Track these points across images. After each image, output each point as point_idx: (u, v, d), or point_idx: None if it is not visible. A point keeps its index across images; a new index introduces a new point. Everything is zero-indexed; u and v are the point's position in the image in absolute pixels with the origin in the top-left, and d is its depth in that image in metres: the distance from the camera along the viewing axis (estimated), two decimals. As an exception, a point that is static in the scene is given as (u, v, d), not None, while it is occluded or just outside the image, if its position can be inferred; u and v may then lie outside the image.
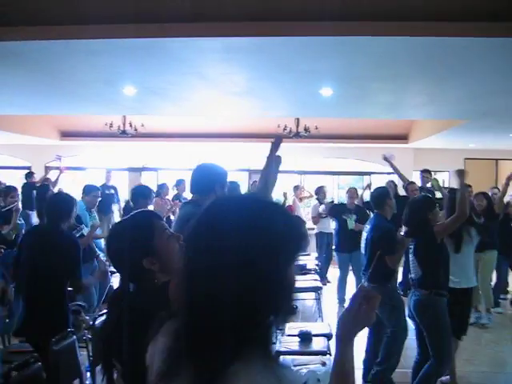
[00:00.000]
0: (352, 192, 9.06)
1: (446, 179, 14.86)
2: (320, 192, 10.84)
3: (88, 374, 4.08)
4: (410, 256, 4.70)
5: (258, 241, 1.06)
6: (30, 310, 3.92)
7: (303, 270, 8.76)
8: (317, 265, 9.39)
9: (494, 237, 7.57)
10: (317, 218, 10.54)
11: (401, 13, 4.35)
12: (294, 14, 4.38)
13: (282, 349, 4.86)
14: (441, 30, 4.31)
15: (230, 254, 1.04)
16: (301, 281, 8.01)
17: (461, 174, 4.79)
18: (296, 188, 12.85)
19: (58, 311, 3.92)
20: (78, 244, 4.16)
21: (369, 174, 14.91)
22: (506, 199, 8.30)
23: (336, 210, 9.15)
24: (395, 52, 4.92)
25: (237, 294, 1.03)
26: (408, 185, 8.64)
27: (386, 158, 8.18)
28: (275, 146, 3.25)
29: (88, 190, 6.82)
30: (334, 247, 9.78)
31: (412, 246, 4.68)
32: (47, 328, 3.70)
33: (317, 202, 10.83)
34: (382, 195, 5.28)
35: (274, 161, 3.26)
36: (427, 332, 4.55)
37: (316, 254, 10.71)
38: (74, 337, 3.65)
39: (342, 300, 8.66)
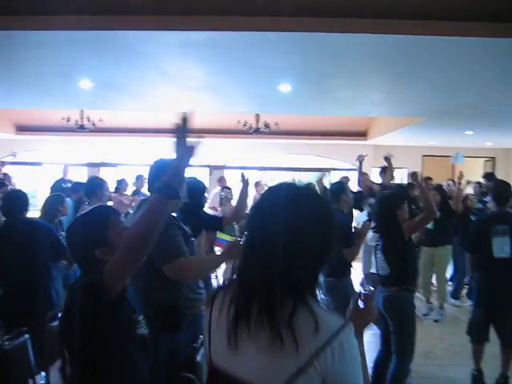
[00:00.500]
0: None
1: (404, 176, 15.09)
2: (257, 185, 11.38)
3: (43, 373, 4.00)
4: (378, 253, 4.70)
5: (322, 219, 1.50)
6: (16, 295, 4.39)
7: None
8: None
9: (448, 232, 7.74)
10: None
11: (358, 10, 4.38)
12: (252, 8, 4.36)
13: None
14: (398, 28, 4.37)
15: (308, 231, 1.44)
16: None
17: (414, 176, 4.89)
18: (257, 184, 12.91)
19: (43, 292, 4.53)
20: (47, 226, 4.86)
21: (328, 170, 15.00)
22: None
23: None
24: (353, 49, 4.95)
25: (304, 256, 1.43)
26: (361, 176, 8.75)
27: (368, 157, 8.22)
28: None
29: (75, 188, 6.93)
30: None
31: (379, 243, 4.69)
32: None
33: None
34: (338, 190, 5.34)
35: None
36: (395, 327, 4.55)
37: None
38: (27, 335, 3.57)
39: None
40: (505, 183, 5.76)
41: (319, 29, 4.39)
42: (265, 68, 5.79)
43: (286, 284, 1.37)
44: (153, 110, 10.72)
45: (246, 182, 4.80)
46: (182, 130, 1.82)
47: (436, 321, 7.72)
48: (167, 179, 1.87)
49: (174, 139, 1.83)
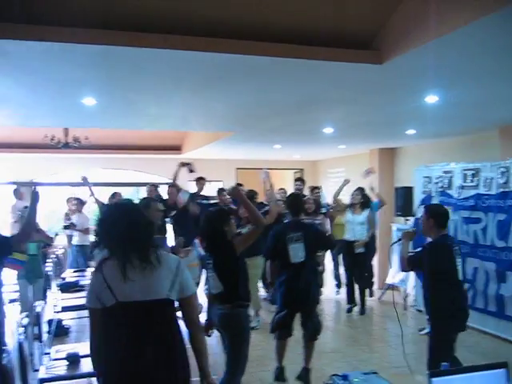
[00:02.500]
0: None
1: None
2: (69, 201, 11.60)
3: None
4: (209, 271, 4.70)
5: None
6: None
7: (76, 287, 8.38)
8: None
9: (260, 242, 8.09)
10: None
11: (162, 25, 4.35)
12: (46, 18, 4.13)
13: (47, 375, 4.57)
14: (199, 45, 4.41)
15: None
16: (72, 298, 7.63)
17: (271, 193, 5.04)
18: (68, 200, 12.43)
19: None
20: None
21: (144, 185, 14.84)
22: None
23: None
24: (158, 64, 4.89)
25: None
26: (169, 186, 9.08)
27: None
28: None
29: None
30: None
31: (210, 262, 4.68)
32: None
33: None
34: (142, 207, 5.16)
35: None
36: (230, 343, 4.64)
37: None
38: None
39: None
40: (297, 195, 6.56)
41: (121, 42, 4.27)
42: (66, 81, 5.52)
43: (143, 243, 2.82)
44: None
45: (34, 200, 4.67)
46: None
47: (253, 328, 7.98)
48: None
49: None
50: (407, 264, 5.13)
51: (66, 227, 11.18)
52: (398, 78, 5.42)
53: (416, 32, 4.28)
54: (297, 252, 5.66)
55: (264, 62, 4.71)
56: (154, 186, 9.85)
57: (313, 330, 5.83)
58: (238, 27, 4.51)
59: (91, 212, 12.11)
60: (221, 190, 9.77)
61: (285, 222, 6.41)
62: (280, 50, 4.56)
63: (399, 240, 5.38)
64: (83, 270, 10.26)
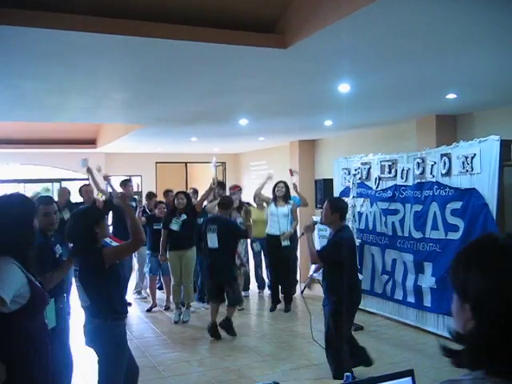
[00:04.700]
0: None
1: (139, 183, 15.05)
2: None
3: None
4: (76, 281, 4.03)
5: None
6: None
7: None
8: None
9: (192, 235, 8.22)
10: None
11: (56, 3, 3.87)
12: None
13: None
14: (89, 25, 3.91)
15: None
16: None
17: (122, 197, 4.56)
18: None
19: None
20: None
21: (59, 180, 14.20)
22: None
23: None
24: (49, 47, 4.36)
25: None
26: (82, 186, 8.86)
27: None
28: None
29: None
30: None
31: (78, 268, 3.99)
32: None
33: None
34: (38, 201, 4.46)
35: None
36: (102, 361, 4.01)
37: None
38: None
39: None
40: None
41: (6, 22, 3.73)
42: None
43: None
44: None
45: None
46: None
47: (186, 321, 8.22)
48: None
49: None
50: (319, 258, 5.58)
51: None
52: (305, 64, 5.05)
53: (322, 12, 3.90)
54: (212, 240, 7.38)
55: (158, 44, 4.27)
56: (66, 189, 9.02)
57: (232, 299, 7.51)
58: (138, 8, 4.09)
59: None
60: (126, 181, 9.27)
61: (207, 217, 8.39)
62: (176, 32, 4.13)
63: (302, 234, 5.79)
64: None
